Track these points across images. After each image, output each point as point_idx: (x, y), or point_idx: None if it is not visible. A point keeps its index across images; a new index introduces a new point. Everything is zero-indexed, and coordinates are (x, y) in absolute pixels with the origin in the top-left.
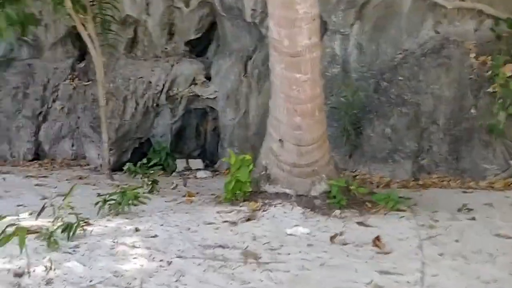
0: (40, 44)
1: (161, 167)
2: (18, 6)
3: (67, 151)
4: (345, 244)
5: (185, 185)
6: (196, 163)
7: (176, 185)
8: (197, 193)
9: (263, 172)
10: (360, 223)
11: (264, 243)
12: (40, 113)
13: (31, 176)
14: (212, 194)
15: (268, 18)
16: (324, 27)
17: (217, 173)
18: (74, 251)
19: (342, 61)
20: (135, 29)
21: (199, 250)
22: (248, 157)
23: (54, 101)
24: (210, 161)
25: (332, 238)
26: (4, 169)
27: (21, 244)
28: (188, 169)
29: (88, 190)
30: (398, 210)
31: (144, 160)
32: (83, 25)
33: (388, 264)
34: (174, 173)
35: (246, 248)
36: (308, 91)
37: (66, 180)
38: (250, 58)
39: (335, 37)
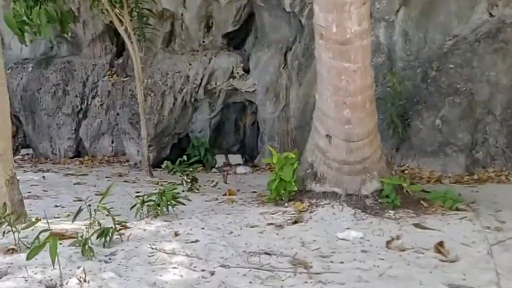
0: (78, 41)
1: (200, 163)
2: (56, 3)
3: (107, 148)
4: (403, 250)
5: (225, 181)
6: (236, 158)
7: (216, 183)
8: (238, 190)
9: (309, 170)
10: (417, 225)
11: (314, 249)
12: (80, 110)
13: (71, 174)
14: (253, 192)
15: (314, 3)
16: None
17: (257, 168)
18: (110, 259)
19: (387, 50)
20: (172, 23)
21: (243, 258)
22: (292, 154)
23: (93, 97)
24: (250, 156)
25: (388, 243)
26: (45, 167)
27: (53, 255)
28: (228, 164)
29: (127, 188)
30: (458, 209)
31: (184, 157)
32: (120, 20)
33: (456, 275)
34: (213, 169)
35: (294, 255)
36: (358, 81)
37: (106, 177)
38: (290, 49)
39: (379, 25)
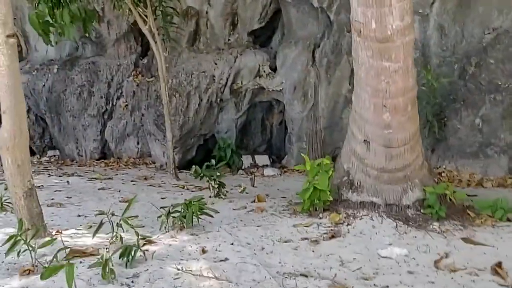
0: (103, 41)
1: (226, 165)
2: (80, 3)
3: (132, 149)
4: (454, 270)
5: (253, 185)
6: (263, 159)
7: (244, 188)
8: (266, 195)
9: (345, 178)
10: (466, 240)
11: (355, 270)
12: (105, 111)
13: (95, 179)
14: (283, 197)
15: None
16: None
17: (285, 170)
18: (132, 282)
19: (421, 46)
20: (197, 21)
21: (278, 281)
22: (326, 161)
23: (118, 98)
24: (277, 156)
25: (436, 262)
26: (70, 169)
27: (69, 281)
28: (254, 165)
29: (152, 194)
30: (509, 220)
31: (212, 162)
32: (143, 19)
33: None
34: (240, 171)
35: (334, 277)
36: (399, 82)
37: (131, 181)
38: (318, 46)
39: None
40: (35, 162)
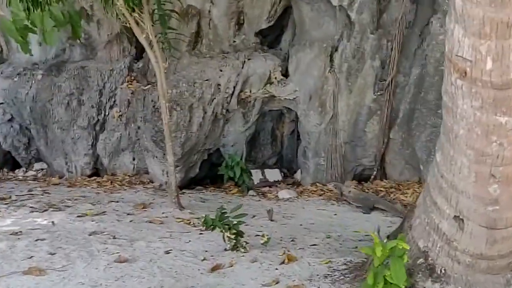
0: (93, 43)
1: (235, 184)
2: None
3: (127, 166)
4: None
5: (270, 219)
6: (274, 174)
7: (268, 239)
8: (291, 241)
9: (421, 260)
10: None
11: None
12: (97, 122)
13: (85, 215)
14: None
15: (449, 20)
16: (432, 7)
17: (301, 189)
18: None
19: None
20: (199, 22)
21: None
22: (402, 243)
23: (111, 108)
24: (288, 169)
25: None
26: (58, 195)
27: None
28: (265, 182)
29: (153, 241)
30: None
31: (223, 210)
32: (138, 24)
33: None
34: (250, 191)
35: None
36: None
37: (127, 214)
38: (336, 50)
39: None
40: (20, 178)
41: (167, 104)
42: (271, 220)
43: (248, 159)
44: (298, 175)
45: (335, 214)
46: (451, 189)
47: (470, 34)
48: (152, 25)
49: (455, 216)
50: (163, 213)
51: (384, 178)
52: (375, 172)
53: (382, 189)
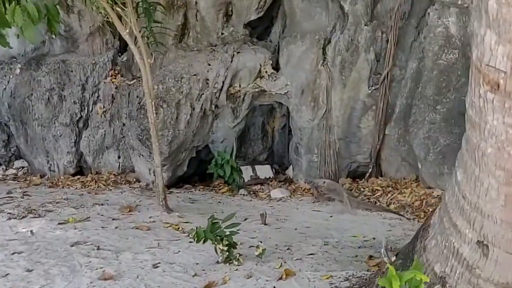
0: (74, 36)
1: (225, 182)
2: None
3: (113, 164)
4: None
5: (264, 222)
6: (265, 170)
7: (263, 250)
8: (287, 249)
9: (438, 287)
10: None
11: None
12: (80, 118)
13: (67, 222)
14: (311, 255)
15: (477, 24)
16: None
17: (292, 187)
18: None
19: (460, 44)
20: (185, 14)
21: None
22: (420, 275)
23: (94, 103)
24: (279, 165)
25: None
26: (39, 198)
27: None
28: (256, 179)
29: (140, 252)
30: None
31: (214, 220)
32: (121, 18)
33: None
34: (241, 190)
35: None
36: None
37: (113, 219)
38: (329, 42)
39: (447, 12)
40: (0, 178)
41: (153, 102)
42: (265, 224)
43: (238, 155)
44: (290, 172)
45: (331, 216)
46: (474, 212)
47: (506, 41)
48: (137, 19)
49: (478, 241)
50: (150, 217)
51: (380, 176)
52: (370, 170)
53: (378, 188)
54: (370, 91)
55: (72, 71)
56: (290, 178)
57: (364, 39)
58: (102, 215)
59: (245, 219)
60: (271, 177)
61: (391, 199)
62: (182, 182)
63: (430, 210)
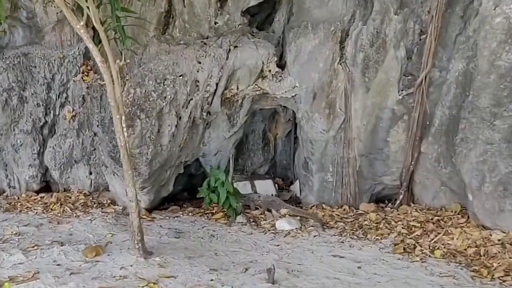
0: (38, 24)
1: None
2: None
3: (83, 180)
4: None
5: (271, 281)
6: (265, 185)
7: None
8: None
9: None
10: None
11: None
12: (44, 124)
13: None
14: None
15: None
16: None
17: (302, 210)
18: None
19: None
20: None
21: None
22: None
23: (62, 106)
24: (282, 179)
25: None
26: None
27: None
28: (256, 201)
29: None
30: None
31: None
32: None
33: None
34: (238, 216)
35: None
36: None
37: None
38: (348, 35)
39: None
40: None
41: (123, 118)
42: (272, 283)
43: (234, 167)
44: (295, 187)
45: (359, 267)
46: None
47: None
48: (98, 6)
49: None
50: (121, 267)
51: (411, 202)
52: (401, 196)
53: (415, 223)
54: (400, 97)
55: (35, 66)
56: (296, 196)
57: (393, 32)
58: (58, 264)
59: (246, 270)
60: (273, 194)
61: (435, 242)
62: (168, 201)
63: (494, 263)
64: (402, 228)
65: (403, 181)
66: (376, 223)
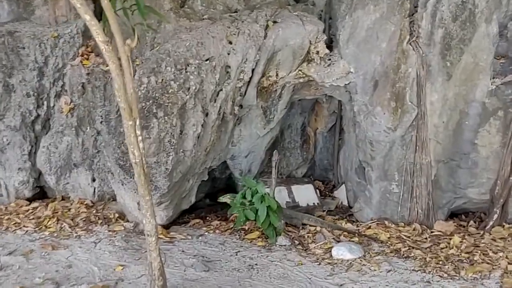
0: None
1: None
2: None
3: (84, 188)
4: None
5: None
6: (305, 193)
7: None
8: None
9: None
10: None
11: None
12: (36, 118)
13: None
14: None
15: None
16: None
17: (357, 226)
18: None
19: None
20: None
21: None
22: None
23: (57, 96)
24: (322, 181)
25: None
26: None
27: None
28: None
29: None
30: None
31: None
32: None
33: None
34: (279, 238)
35: None
36: None
37: None
38: (421, 6)
39: None
40: None
41: (137, 123)
42: None
43: (266, 170)
44: (341, 194)
45: None
46: None
47: None
48: None
49: None
50: None
51: (504, 222)
52: (496, 215)
53: None
54: (494, 87)
55: (23, 48)
56: (342, 204)
57: (484, 2)
58: None
59: None
60: (315, 203)
61: None
62: (188, 212)
63: None
64: (508, 262)
65: (497, 195)
66: (467, 252)
